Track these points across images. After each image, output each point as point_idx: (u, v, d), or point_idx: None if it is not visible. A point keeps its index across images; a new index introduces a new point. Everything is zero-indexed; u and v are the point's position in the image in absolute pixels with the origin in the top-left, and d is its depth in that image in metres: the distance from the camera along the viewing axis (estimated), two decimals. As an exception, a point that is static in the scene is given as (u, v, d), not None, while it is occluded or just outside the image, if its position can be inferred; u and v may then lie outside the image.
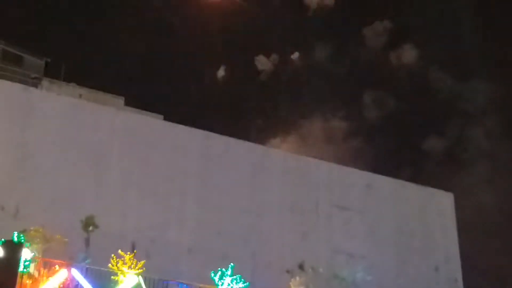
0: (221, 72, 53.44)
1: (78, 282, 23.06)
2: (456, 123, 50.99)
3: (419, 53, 53.31)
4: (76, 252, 26.67)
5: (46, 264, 23.49)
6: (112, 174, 30.53)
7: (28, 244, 22.87)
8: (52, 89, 32.96)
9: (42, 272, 23.08)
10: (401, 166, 42.85)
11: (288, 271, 32.19)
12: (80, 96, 33.44)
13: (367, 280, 31.08)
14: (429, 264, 36.72)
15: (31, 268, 22.70)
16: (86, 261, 25.54)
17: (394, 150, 48.38)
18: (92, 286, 23.18)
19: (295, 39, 52.98)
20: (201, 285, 25.76)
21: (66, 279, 22.92)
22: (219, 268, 25.08)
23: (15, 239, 21.90)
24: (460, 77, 52.03)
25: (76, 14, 51.71)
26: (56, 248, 24.95)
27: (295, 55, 53.16)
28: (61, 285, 22.81)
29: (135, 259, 23.87)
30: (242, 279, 25.06)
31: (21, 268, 21.50)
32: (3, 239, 20.68)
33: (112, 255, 23.90)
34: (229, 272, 24.98)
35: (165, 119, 34.44)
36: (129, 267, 23.60)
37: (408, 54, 53.26)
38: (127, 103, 34.60)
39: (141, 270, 23.72)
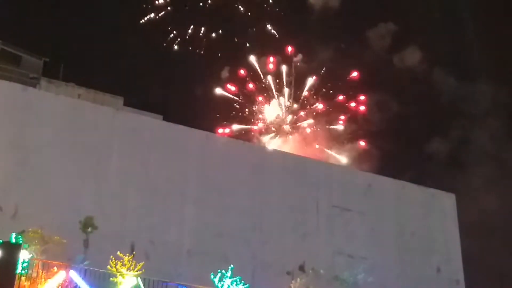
0: (224, 73, 53.37)
1: (76, 283, 22.98)
2: (460, 125, 50.98)
3: (422, 55, 53.28)
4: (74, 254, 26.46)
5: (45, 265, 23.43)
6: (111, 175, 30.35)
7: (26, 245, 22.73)
8: (50, 89, 32.79)
9: (40, 273, 22.96)
10: (404, 169, 42.73)
11: (288, 273, 32.06)
12: (79, 96, 33.30)
13: (368, 281, 30.86)
14: (430, 265, 36.56)
15: (29, 270, 22.52)
16: (85, 263, 25.36)
17: (397, 152, 48.32)
18: (91, 287, 23.04)
19: (298, 41, 52.94)
20: (200, 286, 25.65)
21: (65, 280, 22.85)
22: (218, 270, 25.02)
23: (13, 240, 21.76)
24: (463, 79, 52.07)
25: (75, 14, 51.63)
26: (54, 249, 24.81)
27: (299, 57, 53.14)
28: (60, 287, 22.70)
29: (134, 261, 23.75)
30: (242, 281, 25.01)
31: (19, 270, 21.43)
32: (1, 240, 20.54)
33: (111, 256, 23.76)
34: (229, 274, 24.90)
35: (164, 119, 34.28)
36: (128, 269, 23.48)
37: (412, 56, 53.22)
38: (126, 103, 34.45)
39: (140, 271, 23.60)
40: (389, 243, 35.97)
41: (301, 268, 32.58)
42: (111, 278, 23.43)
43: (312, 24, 53.49)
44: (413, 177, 39.70)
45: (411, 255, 36.20)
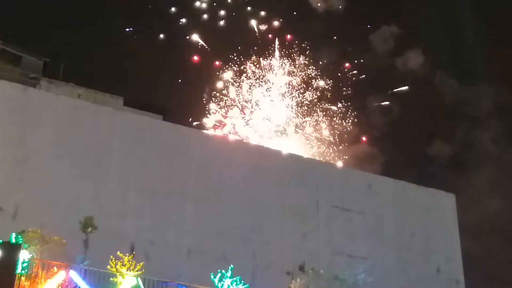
0: (228, 74, 53.20)
1: (76, 283, 22.96)
2: (462, 127, 51.04)
3: (425, 58, 53.29)
4: (74, 254, 26.48)
5: (45, 265, 23.40)
6: (111, 175, 30.33)
7: (26, 245, 22.72)
8: (50, 89, 32.73)
9: (40, 273, 22.93)
10: (407, 171, 42.77)
11: (288, 273, 32.05)
12: (79, 96, 33.24)
13: (368, 281, 30.91)
14: (430, 265, 36.57)
15: (29, 270, 22.50)
16: (85, 263, 25.37)
17: (400, 155, 48.37)
18: (91, 287, 23.03)
19: (302, 43, 52.87)
20: (200, 286, 25.63)
21: (65, 280, 22.82)
22: (218, 270, 24.98)
23: (13, 240, 21.76)
24: (466, 81, 52.13)
25: (74, 14, 51.62)
26: (54, 249, 24.84)
27: (301, 59, 53.02)
28: (60, 287, 22.67)
29: (134, 261, 23.74)
30: (242, 281, 24.97)
31: (19, 270, 21.40)
32: (1, 240, 20.54)
33: (111, 256, 23.74)
34: (229, 274, 24.86)
35: (164, 119, 34.26)
36: (128, 269, 23.46)
37: (414, 59, 53.21)
38: (126, 103, 34.37)
39: (140, 271, 23.57)
40: (389, 243, 35.96)
41: (301, 268, 32.58)
42: (111, 278, 23.41)
43: (315, 27, 53.50)
44: (416, 180, 39.69)
45: (411, 255, 36.21)
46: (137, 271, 23.48)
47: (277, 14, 53.68)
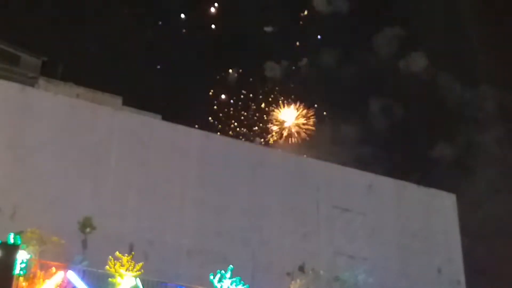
0: (231, 75, 53.31)
1: (75, 284, 22.87)
2: (465, 130, 51.06)
3: (428, 60, 53.27)
4: (73, 254, 26.35)
5: (43, 266, 23.30)
6: (110, 175, 30.24)
7: (24, 245, 22.61)
8: (49, 88, 32.66)
9: (38, 274, 22.84)
10: (409, 173, 42.69)
11: (288, 273, 31.96)
12: (78, 95, 33.14)
13: (369, 282, 30.80)
14: (431, 265, 36.46)
15: (27, 270, 22.38)
16: (83, 263, 25.27)
17: (402, 157, 48.31)
18: (89, 288, 22.97)
19: (304, 45, 52.94)
20: (200, 287, 25.52)
21: (63, 281, 22.77)
22: (218, 270, 24.86)
23: (11, 240, 21.66)
24: (468, 84, 52.13)
25: (73, 14, 51.52)
26: (53, 249, 24.70)
27: (304, 61, 53.03)
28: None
29: (133, 261, 23.64)
30: (242, 281, 24.86)
31: (17, 270, 21.38)
32: (-1, 241, 20.41)
33: (110, 257, 23.67)
34: (228, 274, 24.77)
35: (163, 119, 34.16)
36: (127, 269, 23.37)
37: (417, 62, 53.19)
38: (125, 103, 34.33)
39: (139, 272, 23.50)
40: (390, 244, 35.86)
41: (301, 269, 32.46)
42: (109, 279, 23.33)
43: (319, 29, 53.54)
44: (418, 182, 39.56)
45: (412, 256, 36.08)
46: (136, 271, 23.39)
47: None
